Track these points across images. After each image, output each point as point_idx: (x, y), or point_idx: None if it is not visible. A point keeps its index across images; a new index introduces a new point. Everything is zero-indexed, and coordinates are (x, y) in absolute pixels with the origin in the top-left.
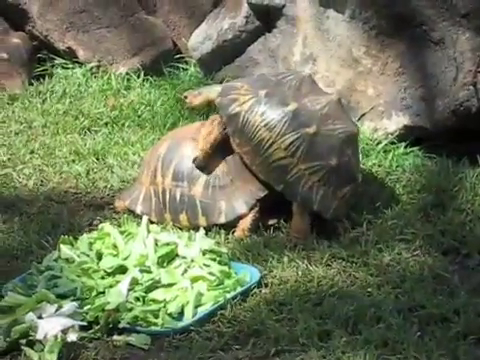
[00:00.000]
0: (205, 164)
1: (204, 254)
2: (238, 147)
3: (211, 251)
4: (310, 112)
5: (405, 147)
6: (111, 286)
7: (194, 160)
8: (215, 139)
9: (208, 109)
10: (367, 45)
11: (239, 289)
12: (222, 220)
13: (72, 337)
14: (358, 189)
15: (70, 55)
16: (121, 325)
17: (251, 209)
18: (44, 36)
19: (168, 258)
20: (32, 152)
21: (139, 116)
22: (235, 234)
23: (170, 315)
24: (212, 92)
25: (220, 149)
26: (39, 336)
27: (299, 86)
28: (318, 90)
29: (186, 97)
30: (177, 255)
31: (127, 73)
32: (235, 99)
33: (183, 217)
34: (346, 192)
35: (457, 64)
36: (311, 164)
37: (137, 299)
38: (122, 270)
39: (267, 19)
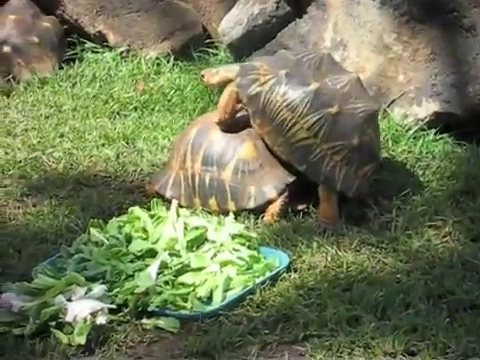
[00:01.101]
0: (228, 128)
1: (233, 238)
2: (259, 128)
3: (240, 236)
4: (331, 91)
5: (435, 134)
6: (140, 269)
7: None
8: (233, 110)
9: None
10: (398, 31)
11: (268, 274)
12: (251, 205)
13: (101, 320)
14: (384, 167)
15: (100, 39)
16: (150, 308)
17: (280, 194)
18: (74, 20)
19: (197, 242)
20: (62, 136)
21: (169, 101)
22: (264, 219)
23: (199, 299)
24: (230, 71)
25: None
26: (68, 318)
27: (319, 65)
28: (338, 69)
29: (203, 76)
30: (206, 239)
31: (157, 57)
32: (255, 79)
33: (212, 202)
34: (367, 171)
35: None
36: (334, 144)
37: (166, 283)
38: (151, 254)
39: (298, 4)
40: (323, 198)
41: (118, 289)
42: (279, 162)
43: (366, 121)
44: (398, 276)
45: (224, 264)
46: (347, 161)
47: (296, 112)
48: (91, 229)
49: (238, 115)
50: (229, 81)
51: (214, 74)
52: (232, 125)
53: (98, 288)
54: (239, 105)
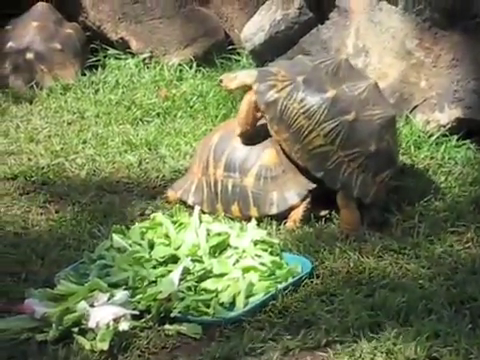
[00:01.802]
0: (249, 138)
1: (256, 244)
2: (276, 134)
3: (263, 242)
4: (349, 98)
5: (457, 140)
6: (163, 275)
7: (238, 137)
8: (254, 120)
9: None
10: (420, 37)
11: (290, 280)
12: (274, 211)
13: (124, 326)
14: (397, 173)
15: (123, 46)
16: (173, 314)
17: (303, 200)
18: (97, 27)
19: (220, 248)
20: (84, 142)
21: (191, 107)
22: (287, 225)
23: (222, 305)
24: (248, 77)
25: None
26: (91, 325)
27: (336, 71)
28: (355, 74)
29: (222, 81)
30: (229, 245)
31: (179, 64)
32: (273, 85)
33: (235, 208)
34: (385, 177)
35: None
36: (351, 151)
37: (189, 289)
38: (174, 260)
39: (320, 11)
40: (342, 205)
41: (141, 295)
42: (300, 168)
43: (383, 127)
44: (420, 282)
45: (246, 270)
46: (364, 168)
47: (313, 119)
48: (113, 235)
49: (259, 124)
50: (247, 86)
51: (232, 79)
52: (254, 136)
53: (121, 294)
54: (259, 114)
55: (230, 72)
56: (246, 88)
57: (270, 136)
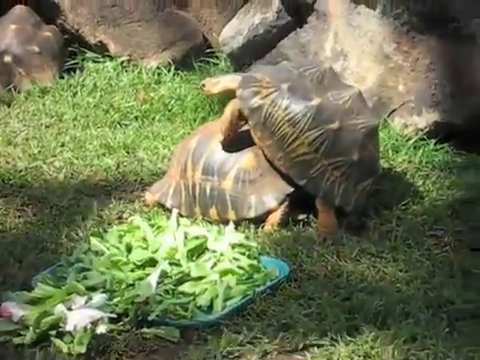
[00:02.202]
0: (231, 146)
1: (233, 248)
2: (260, 140)
3: (240, 245)
4: (333, 107)
5: (435, 143)
6: (141, 279)
7: (220, 144)
8: (237, 126)
9: (227, 97)
10: (398, 41)
11: (268, 283)
12: (252, 214)
13: (101, 329)
14: (378, 180)
15: (101, 49)
16: (150, 318)
17: (281, 204)
18: (75, 30)
19: (197, 251)
20: (62, 145)
21: (169, 110)
22: (264, 228)
23: (199, 308)
24: (231, 82)
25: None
26: (69, 328)
27: (321, 79)
28: (340, 83)
29: (204, 85)
30: (206, 249)
31: (158, 67)
32: (257, 92)
33: (213, 211)
34: (366, 185)
35: None
36: (334, 159)
37: (166, 292)
38: (152, 263)
39: (298, 14)
40: (321, 210)
41: (118, 298)
42: (280, 173)
43: (366, 136)
44: (398, 285)
45: (224, 273)
46: (347, 176)
47: (297, 127)
48: (91, 238)
49: (242, 130)
50: (230, 91)
51: (215, 84)
52: (235, 142)
53: (98, 297)
54: (241, 122)
55: (212, 77)
56: (229, 93)
57: (253, 143)
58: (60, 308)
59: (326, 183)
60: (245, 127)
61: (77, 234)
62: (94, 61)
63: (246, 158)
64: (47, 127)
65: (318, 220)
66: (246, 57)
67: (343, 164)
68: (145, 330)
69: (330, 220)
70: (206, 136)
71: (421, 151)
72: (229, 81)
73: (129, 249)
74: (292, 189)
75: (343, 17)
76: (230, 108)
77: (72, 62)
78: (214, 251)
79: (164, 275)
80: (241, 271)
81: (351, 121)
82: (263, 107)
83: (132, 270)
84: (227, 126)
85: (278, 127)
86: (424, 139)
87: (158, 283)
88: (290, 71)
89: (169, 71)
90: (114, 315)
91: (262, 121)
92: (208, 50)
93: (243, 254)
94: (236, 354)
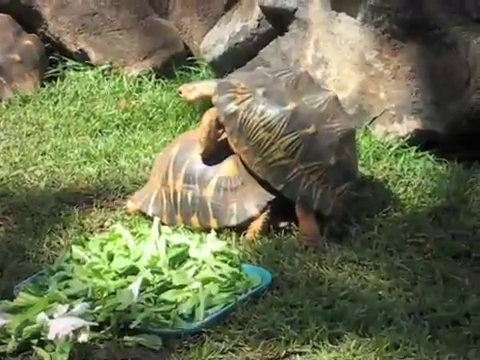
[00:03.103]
0: (211, 158)
1: (215, 256)
2: (236, 146)
3: (222, 253)
4: (308, 111)
5: (416, 151)
6: (122, 287)
7: (201, 156)
8: (215, 136)
9: (204, 103)
10: (379, 49)
11: (250, 291)
12: (233, 222)
13: (83, 337)
14: (356, 185)
15: (82, 57)
16: (132, 326)
17: (262, 211)
18: (56, 38)
19: (179, 260)
20: (44, 153)
21: (150, 118)
22: (246, 236)
23: (181, 316)
24: (207, 88)
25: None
26: (50, 336)
27: (296, 84)
28: (315, 87)
29: (180, 92)
30: (188, 257)
31: (139, 75)
32: (232, 98)
33: (194, 219)
34: (344, 189)
35: (469, 68)
36: (310, 164)
37: (148, 300)
38: (133, 271)
39: (279, 22)
40: (301, 216)
41: (100, 307)
42: (259, 180)
43: (343, 140)
44: (380, 293)
45: (206, 281)
46: (324, 180)
47: (273, 132)
48: (73, 247)
49: (222, 139)
50: (206, 98)
51: (191, 90)
52: (216, 153)
53: (80, 306)
54: (220, 131)
55: (189, 83)
56: (205, 100)
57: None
58: (42, 317)
59: (303, 187)
60: (224, 135)
61: (59, 242)
62: (75, 69)
63: (227, 166)
64: (28, 135)
65: (299, 227)
66: (227, 65)
67: (320, 168)
68: (127, 338)
69: (311, 227)
70: (187, 144)
71: (402, 158)
72: (205, 87)
73: (111, 257)
74: (274, 197)
75: (324, 25)
76: (207, 118)
77: (53, 71)
78: (196, 259)
79: (146, 283)
80: (223, 279)
81: (327, 125)
82: (238, 113)
83: (114, 278)
84: (206, 136)
85: (254, 132)
86: (405, 147)
87: (140, 291)
88: (265, 76)
89: (150, 79)
90: (96, 323)
91: (238, 127)
92: (189, 58)
93: (225, 262)
94: None
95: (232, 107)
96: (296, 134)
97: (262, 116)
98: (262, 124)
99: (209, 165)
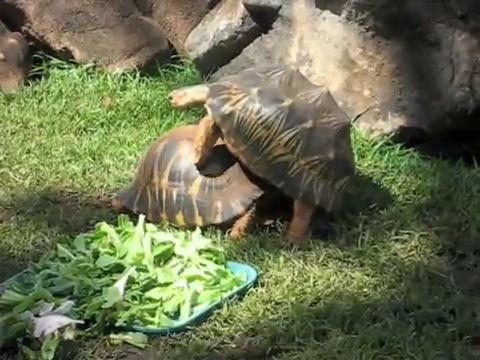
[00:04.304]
0: (205, 165)
1: (200, 253)
2: (234, 147)
3: (207, 250)
4: (305, 106)
5: (401, 148)
6: (108, 285)
7: (196, 165)
8: (212, 143)
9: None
10: (363, 46)
11: (235, 288)
12: (218, 220)
13: (69, 335)
14: (353, 181)
15: (66, 55)
16: (118, 324)
17: (247, 209)
18: (40, 36)
19: (165, 257)
20: (28, 152)
21: (135, 116)
22: (231, 234)
23: (167, 314)
24: (198, 93)
25: (218, 150)
26: (36, 334)
27: (289, 81)
28: (308, 84)
29: (171, 98)
30: (173, 254)
31: (123, 73)
32: (227, 99)
33: (179, 217)
34: (343, 184)
35: (453, 65)
36: (310, 158)
37: (134, 298)
38: (119, 269)
39: (263, 20)
40: (298, 212)
41: (86, 304)
42: (247, 177)
43: (340, 134)
44: (365, 290)
45: (191, 279)
46: (324, 175)
47: (271, 129)
48: (58, 245)
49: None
50: (198, 103)
51: (182, 96)
52: (210, 159)
53: (66, 304)
54: (216, 138)
55: (178, 85)
56: (196, 105)
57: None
58: (27, 315)
59: (304, 183)
60: (219, 141)
61: (44, 241)
62: (59, 68)
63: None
64: (12, 134)
65: (292, 224)
66: (212, 63)
67: (320, 163)
68: (113, 336)
69: (302, 224)
70: (172, 142)
71: (387, 156)
72: (196, 93)
73: (96, 255)
74: (259, 194)
75: (308, 22)
76: (203, 126)
77: (37, 69)
78: (181, 257)
79: (131, 281)
80: (208, 276)
81: (324, 119)
82: (235, 113)
83: (99, 276)
84: (202, 144)
85: (252, 131)
86: (390, 144)
87: (125, 289)
88: (257, 76)
89: (134, 77)
90: (81, 321)
91: (235, 127)
92: (173, 56)
93: (210, 259)
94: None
95: (227, 108)
96: (295, 129)
97: (259, 114)
98: (260, 122)
99: (194, 162)
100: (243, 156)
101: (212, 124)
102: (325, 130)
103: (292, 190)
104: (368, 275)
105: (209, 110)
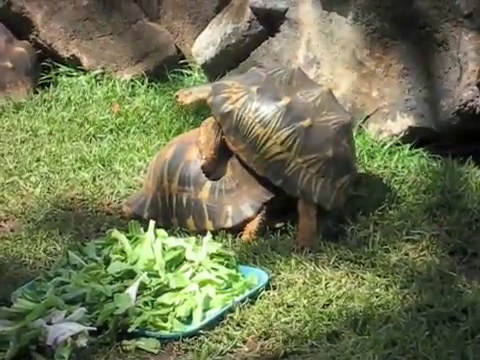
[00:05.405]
0: (213, 169)
1: (212, 258)
2: (233, 145)
3: (218, 255)
4: (303, 105)
5: (410, 148)
6: (119, 291)
7: (202, 168)
8: (215, 143)
9: (200, 108)
10: (370, 47)
11: (247, 292)
12: (229, 224)
13: (82, 342)
14: (356, 179)
15: (74, 63)
16: (130, 330)
17: (258, 212)
18: (48, 44)
19: (176, 262)
20: (38, 160)
21: (144, 122)
22: (242, 237)
23: (179, 319)
24: (203, 91)
25: (224, 151)
26: (49, 342)
27: (290, 80)
28: (309, 82)
29: (177, 96)
30: (185, 259)
31: (131, 80)
32: (227, 97)
33: (190, 221)
34: (344, 182)
35: (461, 64)
36: (308, 157)
37: (146, 303)
38: (130, 275)
39: (270, 23)
40: (302, 213)
41: (98, 311)
42: (256, 180)
43: (340, 133)
44: (377, 291)
45: (203, 283)
46: (323, 173)
47: (269, 127)
48: (69, 252)
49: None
50: (202, 101)
51: (187, 94)
52: (218, 163)
53: (78, 311)
54: (220, 137)
55: (185, 88)
56: (201, 103)
57: (229, 153)
58: (40, 322)
59: (302, 181)
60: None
61: (55, 248)
62: (68, 75)
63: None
64: (22, 142)
65: (299, 226)
66: (220, 67)
67: (317, 161)
68: (125, 342)
69: (308, 225)
70: (181, 147)
71: (396, 156)
72: (200, 91)
73: (107, 262)
74: (269, 197)
75: (315, 24)
76: (204, 125)
77: (46, 77)
78: (192, 261)
79: (143, 287)
80: (220, 281)
81: (322, 118)
82: (234, 111)
83: (111, 283)
84: (205, 143)
85: (250, 129)
86: (399, 144)
87: (137, 295)
88: (259, 75)
89: (143, 83)
90: (94, 328)
91: (234, 125)
92: (181, 61)
93: (221, 264)
94: None
95: (227, 106)
96: (292, 127)
97: (257, 112)
98: (257, 120)
99: None
100: (242, 154)
101: (212, 123)
102: (324, 128)
103: (290, 188)
104: (380, 276)
105: (211, 107)
